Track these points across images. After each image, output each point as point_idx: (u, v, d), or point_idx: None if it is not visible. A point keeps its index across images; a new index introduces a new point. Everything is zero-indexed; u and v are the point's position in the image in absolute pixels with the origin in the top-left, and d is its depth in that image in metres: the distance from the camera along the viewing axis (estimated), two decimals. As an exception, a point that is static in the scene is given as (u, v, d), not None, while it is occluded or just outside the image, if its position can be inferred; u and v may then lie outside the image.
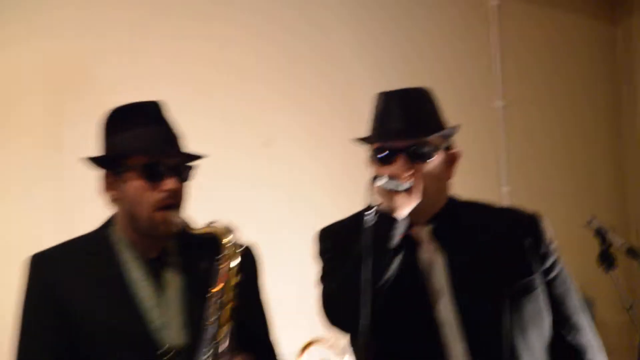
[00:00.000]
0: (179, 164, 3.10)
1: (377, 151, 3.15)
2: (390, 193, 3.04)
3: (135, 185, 3.05)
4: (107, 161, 3.11)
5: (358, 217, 3.19)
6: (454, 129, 3.22)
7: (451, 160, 3.20)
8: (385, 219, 3.03)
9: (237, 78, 5.48)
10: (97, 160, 3.12)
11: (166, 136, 3.14)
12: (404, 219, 3.04)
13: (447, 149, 3.19)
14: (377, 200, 3.04)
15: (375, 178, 3.05)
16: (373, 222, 3.02)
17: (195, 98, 5.31)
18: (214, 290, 3.04)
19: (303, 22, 5.66)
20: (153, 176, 3.04)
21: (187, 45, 5.40)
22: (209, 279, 3.04)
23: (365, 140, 3.21)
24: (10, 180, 4.96)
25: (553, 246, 3.24)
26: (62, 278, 3.09)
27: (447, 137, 3.20)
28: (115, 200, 3.11)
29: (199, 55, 5.40)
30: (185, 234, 3.08)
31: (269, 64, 5.54)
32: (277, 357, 3.22)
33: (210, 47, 5.44)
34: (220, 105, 5.41)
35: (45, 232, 4.78)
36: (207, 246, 3.10)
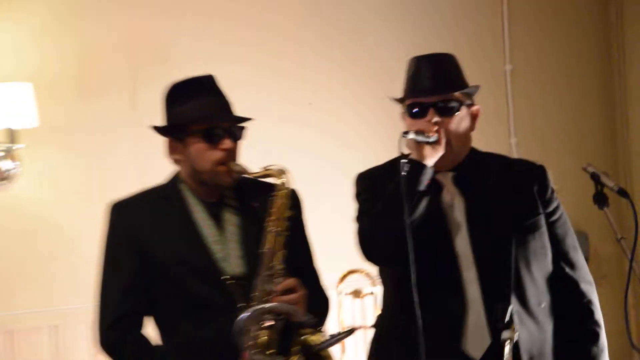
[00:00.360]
0: (233, 127, 3.21)
1: (409, 107, 3.23)
2: (419, 145, 3.13)
3: (197, 147, 3.17)
4: (170, 129, 3.23)
5: (391, 163, 3.35)
6: (476, 88, 3.31)
7: (473, 115, 3.29)
8: (415, 166, 3.11)
9: (288, 43, 5.54)
10: (161, 130, 3.25)
11: (220, 104, 3.23)
12: (431, 167, 3.12)
13: (470, 105, 3.28)
14: (408, 150, 3.14)
15: (406, 132, 3.12)
16: (405, 169, 3.08)
17: (253, 62, 5.41)
18: (270, 220, 3.15)
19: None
20: (212, 138, 3.16)
21: (245, 17, 5.44)
22: (262, 218, 3.14)
23: (399, 99, 3.31)
24: (95, 135, 5.03)
25: (556, 194, 3.36)
26: (138, 221, 3.22)
27: (470, 94, 3.30)
28: (178, 161, 3.25)
29: (256, 26, 5.48)
30: (240, 181, 3.20)
31: (316, 32, 5.64)
32: (320, 283, 3.31)
33: (266, 19, 5.51)
34: (274, 67, 5.47)
35: (122, 180, 4.95)
36: (258, 191, 3.24)
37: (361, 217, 3.32)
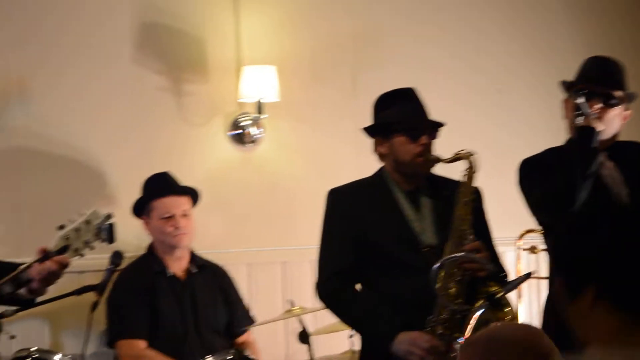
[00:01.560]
0: (429, 127, 3.41)
1: (579, 89, 3.32)
2: (586, 116, 3.23)
3: (401, 140, 3.38)
4: (378, 129, 3.44)
5: (553, 149, 3.50)
6: (635, 95, 3.44)
7: (624, 117, 3.40)
8: (587, 129, 3.23)
9: (478, 40, 5.53)
10: (370, 130, 3.48)
11: (420, 109, 3.44)
12: (599, 131, 3.23)
13: (625, 109, 3.40)
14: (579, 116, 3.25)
15: (577, 99, 3.24)
16: (580, 126, 3.22)
17: (447, 58, 5.44)
18: (460, 192, 3.33)
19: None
20: (413, 135, 3.37)
21: (440, 13, 5.46)
22: (450, 204, 3.33)
23: (571, 83, 3.41)
24: (323, 111, 5.18)
25: None
26: (351, 202, 3.45)
27: (630, 99, 3.41)
28: (383, 156, 3.46)
29: (450, 21, 5.50)
30: (432, 177, 3.44)
31: (504, 29, 5.59)
32: (499, 259, 3.43)
33: (460, 15, 5.52)
34: (464, 61, 5.48)
35: (341, 150, 5.12)
36: (447, 184, 3.45)
37: (528, 196, 3.42)
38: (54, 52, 4.69)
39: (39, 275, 2.99)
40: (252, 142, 5.00)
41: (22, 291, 3.07)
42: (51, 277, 3.02)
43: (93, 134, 4.73)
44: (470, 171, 3.35)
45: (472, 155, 3.36)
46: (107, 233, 3.12)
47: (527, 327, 2.21)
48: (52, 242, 3.06)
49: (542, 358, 2.07)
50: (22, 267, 3.02)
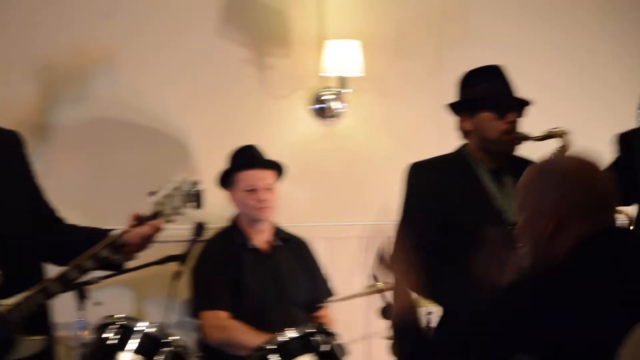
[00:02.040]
0: (517, 105, 3.38)
1: None
2: None
3: (487, 117, 3.35)
4: (465, 105, 3.41)
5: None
6: None
7: None
8: None
9: (565, 23, 5.41)
10: (456, 106, 3.45)
11: (507, 86, 3.42)
12: None
13: None
14: None
15: None
16: None
17: (534, 40, 5.33)
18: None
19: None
20: (500, 111, 3.34)
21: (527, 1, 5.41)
22: None
23: None
24: (406, 87, 5.12)
25: None
26: (433, 177, 3.44)
27: None
28: (467, 133, 3.43)
29: (537, 8, 5.39)
30: (514, 159, 3.40)
31: (592, 14, 5.47)
32: None
33: (545, 2, 5.42)
34: (552, 43, 5.35)
35: (422, 127, 5.08)
36: (527, 165, 3.37)
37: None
38: (140, 22, 4.73)
39: (135, 239, 3.03)
40: (333, 116, 5.00)
41: (114, 256, 3.11)
42: (145, 242, 3.06)
43: (177, 104, 4.77)
44: (563, 150, 3.32)
45: (565, 133, 3.31)
46: (196, 198, 3.14)
47: (585, 162, 2.19)
48: (145, 207, 3.10)
49: (593, 193, 2.14)
50: (118, 232, 3.07)
